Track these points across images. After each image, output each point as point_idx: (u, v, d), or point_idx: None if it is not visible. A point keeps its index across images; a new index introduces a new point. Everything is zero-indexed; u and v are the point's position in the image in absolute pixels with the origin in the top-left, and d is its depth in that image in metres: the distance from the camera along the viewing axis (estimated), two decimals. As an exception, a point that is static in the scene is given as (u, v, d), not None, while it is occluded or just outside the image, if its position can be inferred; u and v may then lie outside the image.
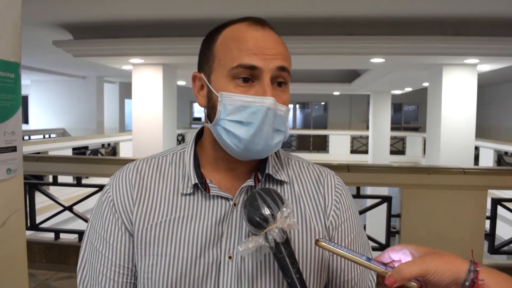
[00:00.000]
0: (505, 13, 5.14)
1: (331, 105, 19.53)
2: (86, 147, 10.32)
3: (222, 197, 0.79)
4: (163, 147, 7.25)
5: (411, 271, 0.60)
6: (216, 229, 0.78)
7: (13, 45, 1.68)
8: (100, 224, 0.82)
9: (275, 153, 0.88)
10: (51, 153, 8.12)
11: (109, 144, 11.32)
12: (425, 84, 9.54)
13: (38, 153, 7.70)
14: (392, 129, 14.45)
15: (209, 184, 0.80)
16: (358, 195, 3.69)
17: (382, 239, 3.64)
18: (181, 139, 15.80)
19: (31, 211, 3.99)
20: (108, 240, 0.80)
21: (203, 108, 0.84)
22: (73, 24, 6.12)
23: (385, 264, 0.66)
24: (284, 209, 0.69)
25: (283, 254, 0.68)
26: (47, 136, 12.97)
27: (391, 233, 3.66)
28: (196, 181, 0.80)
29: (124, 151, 11.32)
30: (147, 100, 7.33)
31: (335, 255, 0.80)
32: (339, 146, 16.94)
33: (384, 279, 0.62)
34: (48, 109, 13.82)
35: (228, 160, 0.81)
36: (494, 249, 3.62)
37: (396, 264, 0.64)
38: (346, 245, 0.83)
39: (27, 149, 7.67)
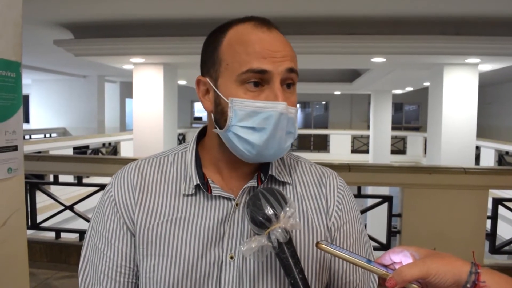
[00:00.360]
0: (506, 12, 5.13)
1: (332, 104, 19.52)
2: (87, 147, 10.34)
3: (224, 198, 0.79)
4: (164, 146, 7.25)
5: (412, 273, 0.60)
6: (218, 229, 0.78)
7: (14, 45, 1.68)
8: (102, 223, 0.82)
9: None
10: (52, 153, 8.13)
11: (109, 144, 11.32)
12: (426, 84, 9.53)
13: (39, 152, 7.71)
14: (393, 128, 14.44)
15: (211, 185, 0.80)
16: (359, 195, 3.69)
17: (383, 239, 3.64)
18: (181, 139, 15.80)
19: (32, 211, 3.99)
20: (109, 239, 0.80)
21: (204, 108, 0.83)
22: (74, 23, 6.13)
23: (385, 266, 0.66)
24: (287, 209, 0.69)
25: (286, 254, 0.68)
26: (48, 135, 12.98)
27: (392, 233, 3.65)
28: (198, 182, 0.79)
29: (125, 151, 11.32)
30: (148, 100, 7.33)
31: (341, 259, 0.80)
32: (340, 145, 16.94)
33: (385, 281, 0.62)
34: (49, 109, 13.84)
35: (231, 161, 0.81)
36: (495, 249, 3.61)
37: (397, 266, 0.64)
38: (348, 246, 0.83)
39: (28, 148, 7.68)
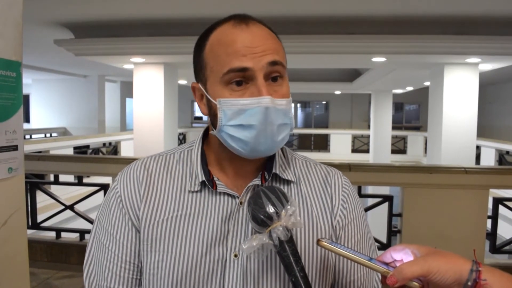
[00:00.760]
0: (507, 12, 5.13)
1: (332, 104, 19.52)
2: (87, 146, 10.34)
3: (228, 195, 0.80)
4: (164, 146, 7.25)
5: (412, 271, 0.60)
6: (223, 226, 0.78)
7: (15, 44, 1.68)
8: (107, 219, 0.82)
9: (282, 152, 0.89)
10: (52, 152, 8.13)
11: (110, 143, 11.32)
12: (427, 83, 9.52)
13: (40, 152, 7.72)
14: (394, 128, 14.44)
15: (216, 182, 0.81)
16: (359, 195, 3.67)
17: (383, 239, 3.64)
18: (182, 138, 15.80)
19: (32, 210, 4.00)
20: (115, 235, 0.81)
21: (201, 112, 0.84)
22: (75, 23, 6.13)
23: (387, 264, 0.66)
24: (289, 207, 0.69)
25: (287, 252, 0.68)
26: (48, 135, 12.99)
27: (392, 233, 3.65)
28: (204, 178, 0.80)
29: (125, 150, 11.32)
30: (148, 99, 7.33)
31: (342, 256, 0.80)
32: (340, 145, 16.93)
33: (386, 279, 0.62)
34: (50, 108, 13.84)
35: (234, 160, 0.81)
36: (496, 249, 3.61)
37: (398, 264, 0.64)
38: (353, 245, 0.83)
39: (29, 148, 7.68)
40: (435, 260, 0.60)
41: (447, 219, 3.44)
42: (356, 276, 0.83)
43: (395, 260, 0.66)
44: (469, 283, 0.58)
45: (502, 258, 4.61)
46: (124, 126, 16.35)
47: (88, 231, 3.92)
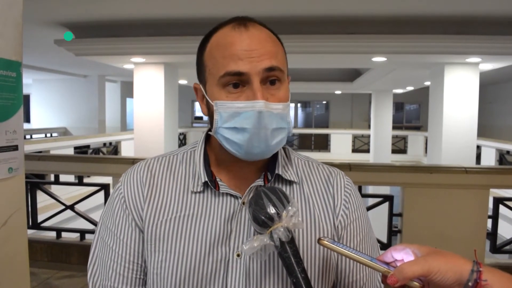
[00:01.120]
0: (508, 11, 5.12)
1: (332, 104, 19.51)
2: (87, 146, 10.34)
3: (231, 195, 0.80)
4: (165, 146, 7.26)
5: (413, 271, 0.60)
6: (225, 227, 0.78)
7: (15, 44, 1.68)
8: (111, 220, 0.83)
9: (285, 152, 0.89)
10: (52, 152, 8.13)
11: (110, 143, 11.33)
12: (427, 83, 9.52)
13: (40, 152, 7.72)
14: (394, 128, 14.43)
15: (219, 182, 0.81)
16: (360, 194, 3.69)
17: (383, 238, 3.64)
18: (182, 138, 15.81)
19: (33, 210, 4.00)
20: (118, 236, 0.81)
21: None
22: (75, 23, 6.13)
23: (388, 264, 0.66)
24: (290, 208, 0.69)
25: (288, 253, 0.68)
26: (48, 135, 12.99)
27: (393, 232, 3.66)
28: (206, 179, 0.81)
29: (126, 150, 11.33)
30: (148, 99, 7.33)
31: (342, 255, 0.80)
32: (341, 145, 16.93)
33: (387, 278, 0.62)
34: (50, 108, 13.85)
35: (236, 161, 0.81)
36: (496, 249, 3.61)
37: (398, 264, 0.64)
38: (355, 245, 0.83)
39: (29, 148, 7.68)
40: (435, 260, 0.60)
41: (448, 219, 3.43)
42: (358, 276, 0.83)
43: (396, 259, 0.66)
44: (470, 283, 0.58)
45: (503, 258, 4.61)
46: (124, 126, 16.36)
47: (89, 231, 3.93)
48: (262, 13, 5.09)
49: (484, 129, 12.81)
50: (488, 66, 6.89)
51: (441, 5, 4.97)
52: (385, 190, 5.52)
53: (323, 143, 17.59)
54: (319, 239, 0.67)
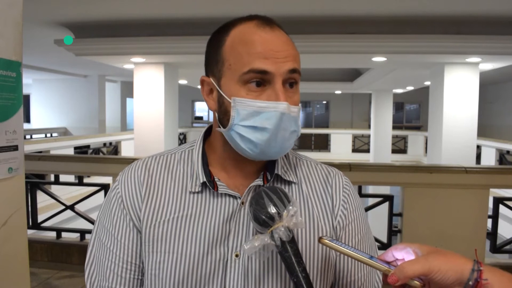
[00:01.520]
0: (508, 11, 5.12)
1: (332, 104, 19.51)
2: (87, 146, 10.34)
3: (230, 196, 0.80)
4: (165, 146, 7.26)
5: (414, 270, 0.60)
6: (224, 227, 0.78)
7: (15, 44, 1.68)
8: (109, 220, 0.82)
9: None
10: (52, 152, 8.14)
11: (110, 143, 11.33)
12: (427, 83, 9.53)
13: (40, 152, 7.72)
14: (394, 128, 14.44)
15: (217, 182, 0.80)
16: (360, 194, 3.69)
17: (383, 238, 3.64)
18: (182, 138, 15.81)
19: (33, 210, 4.00)
20: (116, 236, 0.80)
21: (205, 107, 0.84)
22: (75, 23, 6.13)
23: (388, 263, 0.66)
24: (291, 207, 0.69)
25: (289, 253, 0.68)
26: (48, 135, 12.99)
27: (393, 232, 3.66)
28: (205, 179, 0.80)
29: (126, 150, 11.33)
30: (148, 99, 7.33)
31: (342, 255, 0.80)
32: (341, 145, 16.94)
33: (387, 277, 0.62)
34: (50, 108, 13.85)
35: (237, 160, 0.81)
36: (496, 248, 3.61)
37: (399, 263, 0.64)
38: (353, 245, 0.83)
39: (29, 148, 7.68)
40: (436, 259, 0.60)
41: (448, 218, 3.44)
42: (356, 276, 0.83)
43: (397, 259, 0.66)
44: (470, 283, 0.58)
45: (503, 258, 4.62)
46: (124, 126, 16.36)
47: (89, 231, 3.93)
48: (262, 13, 5.06)
49: (484, 129, 12.81)
50: (488, 66, 6.89)
51: (441, 5, 4.97)
52: (385, 190, 5.53)
53: (323, 143, 17.59)
54: (320, 238, 0.67)
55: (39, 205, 4.13)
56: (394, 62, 7.21)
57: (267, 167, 0.83)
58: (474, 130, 6.74)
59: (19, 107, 1.72)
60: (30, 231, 3.52)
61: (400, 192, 3.61)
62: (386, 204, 3.66)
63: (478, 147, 9.70)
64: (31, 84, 13.83)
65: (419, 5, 5.05)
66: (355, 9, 5.27)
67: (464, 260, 0.60)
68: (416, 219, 3.51)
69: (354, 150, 17.00)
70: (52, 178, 4.18)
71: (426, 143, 10.05)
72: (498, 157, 9.72)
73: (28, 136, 11.82)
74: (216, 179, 0.81)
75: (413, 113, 20.23)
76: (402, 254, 0.66)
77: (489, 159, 10.03)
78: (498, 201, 3.62)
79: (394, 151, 14.60)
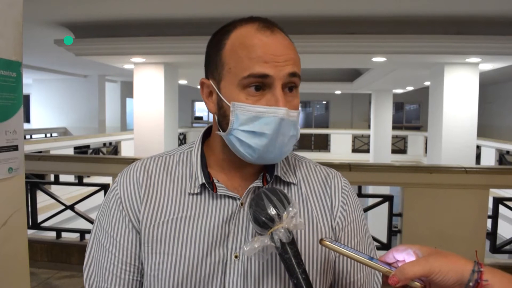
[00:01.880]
0: (507, 11, 5.12)
1: (332, 104, 19.52)
2: (87, 146, 10.34)
3: (229, 197, 0.79)
4: (165, 146, 7.26)
5: (414, 271, 0.60)
6: (223, 228, 0.78)
7: (15, 44, 1.68)
8: (107, 221, 0.82)
9: None
10: (52, 152, 8.14)
11: (110, 143, 11.33)
12: (427, 83, 9.53)
13: (40, 152, 7.72)
14: (394, 128, 14.44)
15: (216, 184, 0.80)
16: (359, 194, 3.69)
17: (383, 238, 3.64)
18: (182, 138, 15.81)
19: (33, 210, 4.00)
20: (114, 237, 0.80)
21: (205, 108, 0.84)
22: (75, 23, 6.13)
23: (389, 264, 0.66)
24: (290, 209, 0.69)
25: (289, 254, 0.68)
26: (48, 135, 12.99)
27: (393, 232, 3.66)
28: (204, 181, 0.80)
29: (126, 150, 11.33)
30: (148, 99, 7.33)
31: (341, 256, 0.80)
32: (341, 145, 16.94)
33: (388, 279, 0.62)
34: (50, 108, 13.85)
35: (236, 162, 0.81)
36: (496, 248, 3.61)
37: (400, 264, 0.64)
38: (352, 247, 0.83)
39: (29, 148, 7.68)
40: (437, 261, 0.60)
41: (448, 219, 3.44)
42: (356, 277, 0.83)
43: (397, 260, 0.66)
44: (471, 284, 0.58)
45: (503, 258, 4.61)
46: (124, 126, 16.36)
47: (89, 231, 3.92)
48: (262, 13, 5.05)
49: (484, 129, 12.81)
50: (488, 66, 6.90)
51: (441, 5, 4.97)
52: (385, 190, 5.53)
53: (323, 143, 17.59)
54: (321, 239, 0.67)
55: (39, 205, 4.13)
56: (394, 62, 7.21)
57: (266, 169, 0.83)
58: (474, 130, 6.75)
59: (19, 107, 1.73)
60: (30, 231, 3.52)
61: (400, 192, 3.61)
62: (386, 204, 3.66)
63: (478, 147, 9.70)
64: (31, 84, 13.83)
65: (419, 5, 5.06)
66: (355, 9, 5.27)
67: (465, 261, 0.60)
68: (416, 219, 3.51)
69: (354, 150, 17.00)
70: (52, 178, 4.18)
71: (426, 143, 10.05)
72: (498, 157, 9.72)
73: (28, 136, 11.81)
74: (215, 181, 0.81)
75: (413, 113, 20.24)
76: (403, 255, 0.66)
77: (489, 159, 10.03)
78: (498, 201, 3.62)
79: (394, 151, 14.60)
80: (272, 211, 0.68)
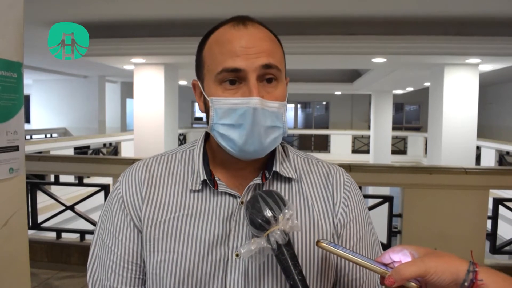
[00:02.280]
0: (507, 12, 5.13)
1: (332, 104, 19.51)
2: (87, 147, 10.33)
3: (230, 195, 0.80)
4: (165, 146, 7.26)
5: (410, 271, 0.60)
6: (224, 226, 0.78)
7: (16, 45, 1.69)
8: (110, 220, 0.83)
9: (283, 150, 0.89)
10: (52, 153, 8.13)
11: (110, 144, 11.32)
12: (427, 84, 9.53)
13: (40, 152, 7.71)
14: (394, 128, 14.44)
15: (217, 181, 0.81)
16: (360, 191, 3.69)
17: (383, 239, 3.64)
18: (182, 139, 15.80)
19: (33, 211, 4.00)
20: (117, 236, 0.81)
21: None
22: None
23: (385, 265, 0.66)
24: (286, 211, 0.69)
25: (285, 256, 0.69)
26: (48, 135, 12.98)
27: (393, 233, 3.66)
28: (205, 177, 0.80)
29: (126, 151, 11.33)
30: (148, 100, 7.34)
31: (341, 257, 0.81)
32: (341, 146, 16.93)
33: (384, 279, 0.63)
34: (50, 109, 13.84)
35: (235, 160, 0.81)
36: (496, 249, 3.61)
37: (396, 265, 0.65)
38: (355, 243, 0.83)
39: (29, 148, 7.68)
40: (432, 261, 0.61)
41: (447, 219, 3.44)
42: (358, 275, 0.83)
43: (394, 261, 0.67)
44: (466, 284, 0.59)
45: (502, 259, 4.61)
46: (124, 126, 16.35)
47: (89, 232, 3.94)
48: (262, 13, 5.10)
49: (484, 130, 12.81)
50: (488, 67, 6.90)
51: (441, 6, 4.98)
52: (385, 191, 5.53)
53: (323, 144, 17.58)
54: (318, 241, 0.68)
55: (39, 206, 4.13)
56: (394, 63, 7.22)
57: (266, 166, 0.84)
58: (473, 131, 6.75)
59: (20, 107, 1.73)
60: (30, 232, 3.52)
61: (400, 193, 3.61)
62: (386, 205, 3.66)
63: (478, 148, 9.69)
64: (31, 84, 13.82)
65: (419, 6, 5.06)
66: (355, 10, 5.27)
67: (460, 261, 0.61)
68: (416, 220, 3.51)
69: (354, 151, 16.98)
70: (52, 179, 4.18)
71: (426, 144, 10.05)
72: (498, 158, 9.72)
73: (28, 137, 11.80)
74: (216, 178, 0.82)
75: (413, 114, 20.24)
76: (399, 256, 0.66)
77: (488, 160, 10.03)
78: (498, 202, 3.62)
79: (394, 152, 14.60)
80: (268, 213, 0.69)
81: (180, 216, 0.79)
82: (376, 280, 0.85)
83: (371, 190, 6.40)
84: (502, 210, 3.66)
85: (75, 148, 9.70)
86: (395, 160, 13.81)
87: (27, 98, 13.95)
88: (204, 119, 0.83)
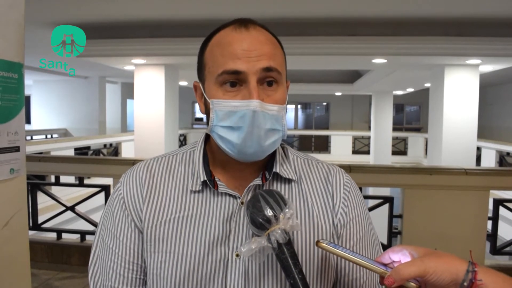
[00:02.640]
0: (508, 13, 5.13)
1: (333, 105, 19.50)
2: (88, 147, 10.32)
3: (230, 195, 0.80)
4: (165, 147, 7.26)
5: (409, 271, 0.60)
6: (224, 227, 0.79)
7: (17, 46, 1.69)
8: (111, 220, 0.84)
9: (283, 151, 0.89)
10: (53, 153, 8.13)
11: (111, 144, 11.31)
12: (427, 85, 9.53)
13: (40, 153, 7.71)
14: (394, 129, 14.43)
15: (217, 182, 0.81)
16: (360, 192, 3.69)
17: (383, 240, 3.64)
18: (183, 139, 15.80)
19: (34, 211, 4.00)
20: (118, 236, 0.82)
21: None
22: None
23: (385, 265, 0.66)
24: (287, 210, 0.69)
25: (285, 255, 0.69)
26: (49, 136, 12.98)
27: (393, 234, 3.65)
28: (205, 178, 0.81)
29: (126, 151, 11.32)
30: (149, 101, 7.34)
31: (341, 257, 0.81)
32: (341, 146, 16.92)
33: (384, 279, 0.63)
34: (50, 109, 13.85)
35: (235, 161, 0.81)
36: (496, 250, 3.61)
37: (396, 265, 0.65)
38: (355, 243, 0.83)
39: (29, 149, 7.68)
40: (432, 261, 0.61)
41: (448, 220, 3.44)
42: (358, 274, 0.83)
43: (393, 261, 0.67)
44: (465, 283, 0.59)
45: (503, 259, 4.61)
46: (124, 127, 16.35)
47: (89, 232, 3.94)
48: (263, 14, 5.10)
49: (484, 131, 12.80)
50: (488, 67, 6.90)
51: (441, 7, 4.98)
52: (385, 191, 5.53)
53: (323, 145, 17.58)
54: (317, 241, 0.68)
55: (39, 206, 4.13)
56: (394, 64, 7.22)
57: (266, 167, 0.84)
58: (474, 131, 6.75)
59: (21, 108, 1.73)
60: (30, 232, 3.52)
61: (400, 194, 3.61)
62: (386, 206, 3.66)
63: (478, 148, 9.69)
64: (32, 85, 13.82)
65: (419, 7, 5.06)
66: (356, 11, 5.28)
67: (459, 261, 0.61)
68: (416, 221, 3.51)
69: (354, 152, 16.97)
70: (53, 179, 4.19)
71: (426, 145, 10.04)
72: (498, 158, 9.71)
73: (28, 137, 11.80)
74: (216, 179, 0.82)
75: (413, 114, 20.23)
76: (398, 256, 0.66)
77: (489, 160, 10.02)
78: (498, 202, 3.62)
79: (394, 153, 14.59)
80: (269, 213, 0.69)
81: (180, 217, 0.80)
82: (376, 280, 0.85)
83: (371, 191, 6.40)
84: (502, 211, 3.66)
85: (76, 149, 9.70)
86: (396, 161, 13.81)
87: (27, 99, 13.96)
88: (205, 120, 0.84)
